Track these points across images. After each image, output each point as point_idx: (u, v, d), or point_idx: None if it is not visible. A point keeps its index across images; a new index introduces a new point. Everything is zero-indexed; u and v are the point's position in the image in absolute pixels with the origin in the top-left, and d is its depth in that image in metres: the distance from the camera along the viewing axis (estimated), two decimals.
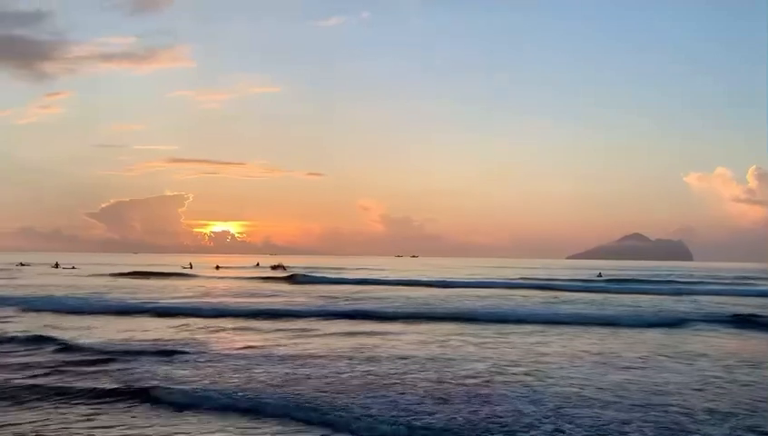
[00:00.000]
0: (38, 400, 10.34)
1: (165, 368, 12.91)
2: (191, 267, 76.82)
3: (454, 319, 23.04)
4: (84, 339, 17.05)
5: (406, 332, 19.40)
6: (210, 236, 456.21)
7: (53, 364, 13.25)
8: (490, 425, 8.95)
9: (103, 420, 9.37)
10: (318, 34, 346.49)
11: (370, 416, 9.37)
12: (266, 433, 8.86)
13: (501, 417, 9.35)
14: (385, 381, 11.79)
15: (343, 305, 27.92)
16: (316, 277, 54.71)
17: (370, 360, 14.19)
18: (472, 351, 15.78)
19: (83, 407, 10.00)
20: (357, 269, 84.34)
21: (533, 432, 8.65)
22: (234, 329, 19.96)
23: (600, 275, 68.28)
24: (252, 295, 34.53)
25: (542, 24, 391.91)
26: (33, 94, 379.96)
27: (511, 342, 17.27)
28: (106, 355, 14.33)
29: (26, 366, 13.13)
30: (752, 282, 59.87)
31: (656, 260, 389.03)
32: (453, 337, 18.20)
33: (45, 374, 12.27)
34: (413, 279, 54.98)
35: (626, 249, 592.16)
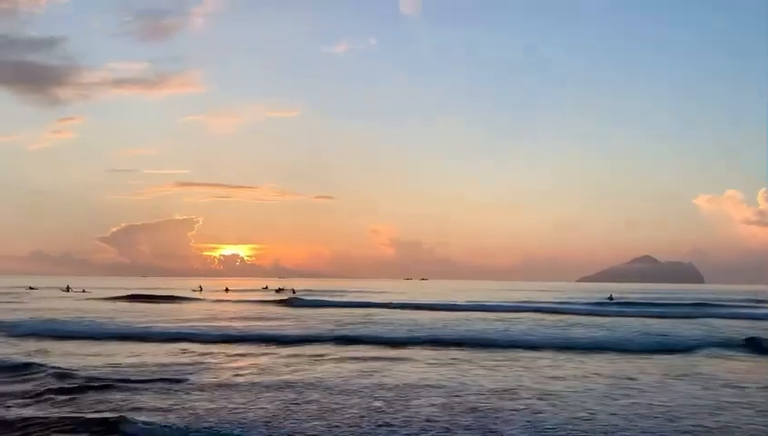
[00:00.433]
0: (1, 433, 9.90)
1: (142, 398, 12.38)
2: (200, 290, 78.06)
3: (458, 344, 22.22)
4: (72, 365, 16.30)
5: (401, 359, 18.88)
6: (219, 259, 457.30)
7: (32, 393, 12.75)
8: None
9: None
10: (327, 59, 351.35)
11: None
12: None
13: None
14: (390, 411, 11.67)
15: (333, 330, 26.64)
16: (311, 300, 54.29)
17: (375, 388, 14.00)
18: (481, 374, 15.64)
19: None
20: (361, 291, 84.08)
21: None
22: (225, 355, 19.23)
23: (611, 298, 67.73)
24: (246, 318, 34.14)
25: (552, 48, 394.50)
26: (45, 118, 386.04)
27: (521, 367, 17.08)
28: (92, 382, 13.81)
29: (2, 394, 12.65)
30: (763, 304, 59.27)
31: (667, 282, 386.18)
32: (458, 364, 18.03)
33: (24, 405, 11.73)
34: (410, 302, 53.52)
35: (637, 271, 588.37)
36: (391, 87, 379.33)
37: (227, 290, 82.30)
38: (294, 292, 74.21)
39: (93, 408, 11.47)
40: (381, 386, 13.86)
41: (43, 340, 22.88)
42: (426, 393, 13.10)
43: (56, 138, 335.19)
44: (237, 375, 15.27)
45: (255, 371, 16.07)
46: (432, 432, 9.97)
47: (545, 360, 18.53)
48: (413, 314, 38.83)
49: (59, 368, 15.58)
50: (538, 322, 33.44)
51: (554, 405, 12.01)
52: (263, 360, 18.21)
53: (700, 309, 48.02)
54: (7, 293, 66.61)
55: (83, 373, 15.00)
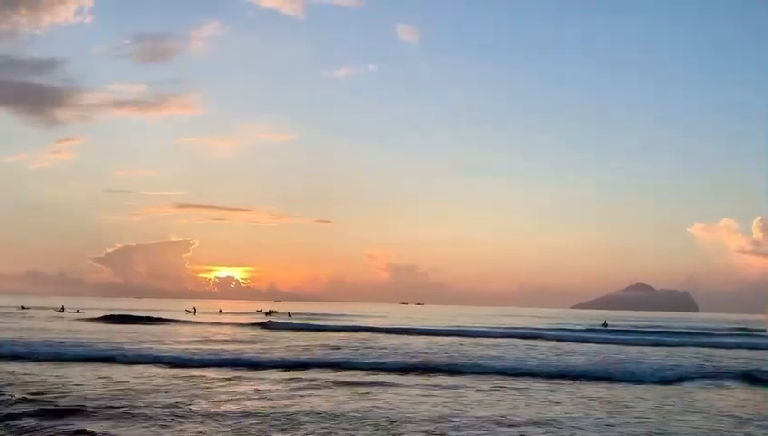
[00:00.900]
0: None
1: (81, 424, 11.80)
2: (194, 312, 77.68)
3: (445, 371, 21.93)
4: (32, 391, 15.52)
5: (393, 384, 18.80)
6: (214, 282, 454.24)
7: None
8: None
9: None
10: (326, 84, 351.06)
11: None
12: None
13: None
14: None
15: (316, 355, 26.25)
16: (289, 324, 54.09)
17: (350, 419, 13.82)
18: (474, 402, 15.63)
19: None
20: (351, 315, 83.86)
21: None
22: (184, 377, 18.83)
23: (605, 324, 67.76)
24: (224, 342, 33.62)
25: (550, 74, 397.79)
26: (45, 139, 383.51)
27: (516, 392, 17.03)
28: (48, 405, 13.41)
29: None
30: (757, 333, 59.37)
31: (662, 310, 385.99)
32: (442, 392, 17.98)
33: None
34: (397, 327, 52.73)
35: (632, 299, 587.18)
36: (389, 112, 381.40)
37: (221, 311, 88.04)
38: (290, 315, 74.33)
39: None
40: (372, 412, 13.83)
41: (13, 363, 21.83)
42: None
43: (55, 158, 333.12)
44: (176, 404, 14.26)
45: (195, 399, 15.04)
46: None
47: (539, 390, 18.41)
48: (406, 339, 38.68)
49: (15, 394, 14.85)
50: (532, 347, 33.39)
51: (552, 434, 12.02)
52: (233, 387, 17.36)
53: (694, 338, 48.05)
54: None
55: (41, 399, 14.30)
